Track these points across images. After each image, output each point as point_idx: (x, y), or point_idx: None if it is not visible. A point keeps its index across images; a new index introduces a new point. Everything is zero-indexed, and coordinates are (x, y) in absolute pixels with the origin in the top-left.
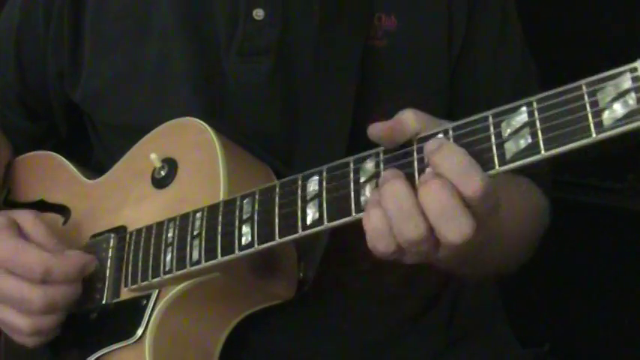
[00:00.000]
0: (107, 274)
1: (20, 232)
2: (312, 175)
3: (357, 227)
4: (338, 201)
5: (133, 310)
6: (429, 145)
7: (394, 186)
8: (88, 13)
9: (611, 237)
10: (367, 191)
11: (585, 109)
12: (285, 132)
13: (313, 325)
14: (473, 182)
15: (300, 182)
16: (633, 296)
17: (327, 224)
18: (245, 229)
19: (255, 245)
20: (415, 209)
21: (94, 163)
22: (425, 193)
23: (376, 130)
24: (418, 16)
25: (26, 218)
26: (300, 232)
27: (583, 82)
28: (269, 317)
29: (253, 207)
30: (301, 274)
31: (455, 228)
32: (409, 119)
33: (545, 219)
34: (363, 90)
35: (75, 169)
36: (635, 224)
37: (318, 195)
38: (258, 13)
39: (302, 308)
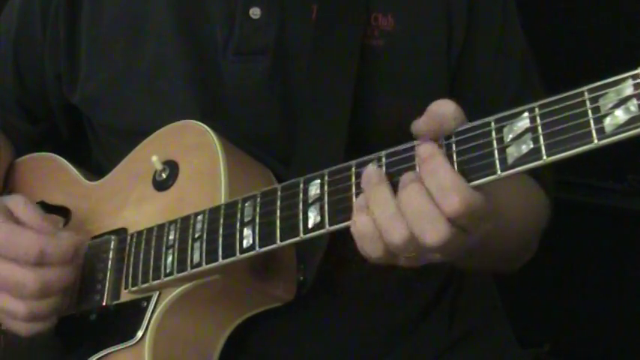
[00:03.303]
0: (107, 276)
1: (12, 217)
2: (313, 178)
3: None
4: (339, 204)
5: (133, 312)
6: (421, 151)
7: (378, 190)
8: (83, 16)
9: (611, 237)
10: None
11: (587, 115)
12: (283, 132)
13: (311, 329)
14: (451, 202)
15: (301, 186)
16: (633, 296)
17: (328, 228)
18: (246, 231)
19: (257, 248)
20: (398, 213)
21: (93, 165)
22: (403, 197)
23: (416, 127)
24: (416, 17)
25: (17, 202)
26: (302, 236)
27: (585, 88)
28: (266, 320)
29: (255, 210)
30: (301, 277)
31: (430, 232)
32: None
33: (544, 217)
34: (361, 89)
35: (75, 171)
36: (635, 224)
37: (319, 198)
38: (255, 12)
39: (300, 311)
